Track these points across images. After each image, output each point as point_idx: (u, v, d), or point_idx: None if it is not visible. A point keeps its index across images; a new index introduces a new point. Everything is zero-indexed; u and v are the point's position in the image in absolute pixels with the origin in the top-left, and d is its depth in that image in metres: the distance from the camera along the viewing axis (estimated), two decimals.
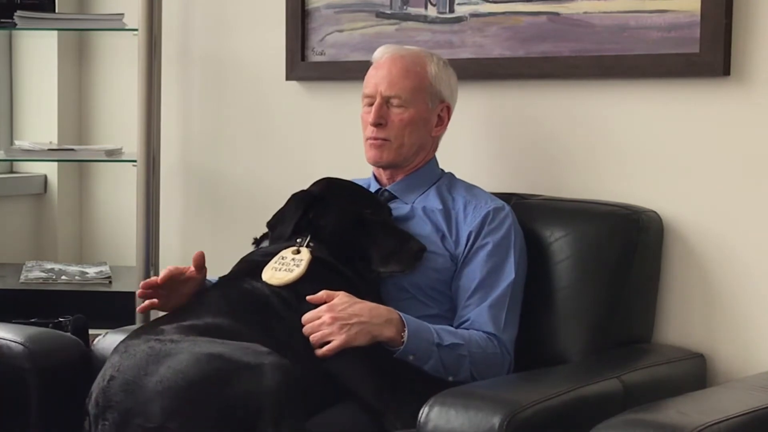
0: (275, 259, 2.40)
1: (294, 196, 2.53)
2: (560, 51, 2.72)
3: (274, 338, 2.26)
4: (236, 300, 2.35)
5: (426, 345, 2.31)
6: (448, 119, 2.62)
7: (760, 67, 2.47)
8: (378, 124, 2.54)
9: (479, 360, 2.35)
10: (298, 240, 2.43)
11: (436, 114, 2.59)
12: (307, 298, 2.32)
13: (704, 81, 2.53)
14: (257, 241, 2.60)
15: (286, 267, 2.38)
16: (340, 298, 2.31)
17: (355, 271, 2.44)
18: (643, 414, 1.95)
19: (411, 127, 2.55)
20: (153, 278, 2.45)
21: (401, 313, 2.33)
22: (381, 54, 2.62)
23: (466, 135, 2.84)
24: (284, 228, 2.47)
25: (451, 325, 2.42)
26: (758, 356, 2.49)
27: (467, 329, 2.39)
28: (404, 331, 2.30)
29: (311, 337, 2.28)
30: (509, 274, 2.45)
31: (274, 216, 2.54)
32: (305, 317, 2.30)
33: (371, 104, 2.56)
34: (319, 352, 2.26)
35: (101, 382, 2.17)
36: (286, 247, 2.42)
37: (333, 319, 2.27)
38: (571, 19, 2.70)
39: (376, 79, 2.57)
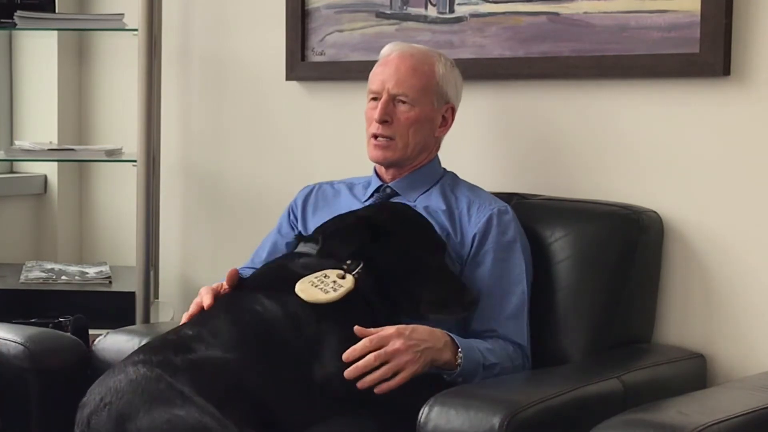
0: (317, 274, 2.31)
1: (358, 216, 2.42)
2: (560, 51, 2.72)
3: (279, 368, 2.19)
4: (246, 328, 2.25)
5: (475, 366, 2.28)
6: (452, 120, 2.61)
7: (760, 67, 2.47)
8: (384, 121, 2.53)
9: (509, 373, 2.34)
10: (348, 262, 2.33)
11: (440, 114, 2.58)
12: (356, 329, 2.20)
13: (704, 81, 2.53)
14: (301, 238, 2.51)
15: (323, 286, 2.28)
16: (398, 327, 2.21)
17: (393, 310, 2.34)
18: (643, 414, 1.95)
19: (416, 126, 2.54)
20: (200, 303, 2.38)
21: (450, 334, 2.28)
22: (389, 51, 2.61)
23: (466, 135, 2.84)
24: (340, 248, 2.35)
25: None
26: (758, 356, 2.49)
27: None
28: (459, 352, 2.25)
29: (384, 369, 2.15)
30: (521, 280, 2.44)
31: (329, 226, 2.43)
32: (358, 348, 2.17)
33: (376, 100, 2.56)
34: (384, 387, 2.15)
35: (98, 401, 2.13)
36: (332, 266, 2.33)
37: (407, 346, 2.18)
38: (571, 19, 2.70)
39: (383, 76, 2.56)
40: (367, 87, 2.59)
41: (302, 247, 2.46)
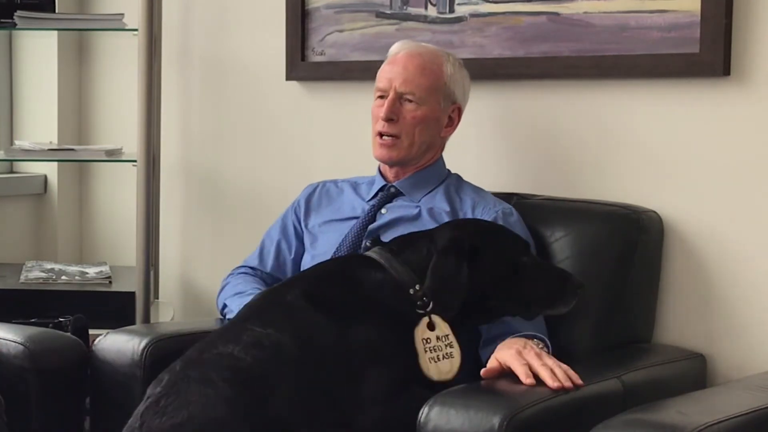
0: (420, 342, 2.18)
1: (452, 254, 2.23)
2: (560, 51, 2.72)
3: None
4: (309, 382, 2.11)
5: None
6: (458, 121, 2.61)
7: (760, 67, 2.47)
8: (390, 119, 2.53)
9: None
10: (420, 303, 2.21)
11: (447, 115, 2.58)
12: (484, 372, 2.15)
13: (704, 81, 2.53)
14: (377, 242, 2.38)
15: (441, 352, 2.18)
16: (525, 347, 2.16)
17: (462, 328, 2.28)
18: (643, 414, 1.95)
19: (422, 125, 2.54)
20: None
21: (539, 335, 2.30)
22: (398, 49, 2.61)
23: (466, 135, 2.84)
24: (449, 296, 2.22)
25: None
26: (758, 356, 2.49)
27: None
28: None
29: (557, 369, 2.10)
30: None
31: (423, 259, 2.26)
32: (526, 374, 2.09)
33: (383, 98, 2.55)
34: (576, 379, 2.11)
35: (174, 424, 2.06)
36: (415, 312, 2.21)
37: (539, 351, 2.15)
38: (571, 19, 2.70)
39: (391, 74, 2.56)
40: (375, 85, 2.59)
41: (375, 254, 2.31)
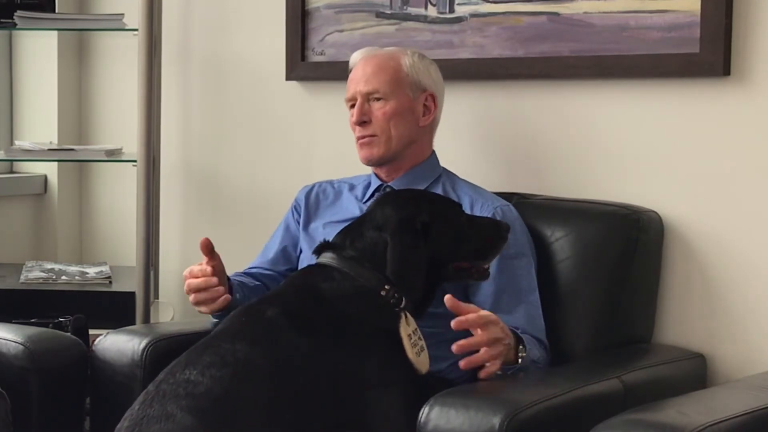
0: (407, 339, 2.19)
1: (406, 234, 2.26)
2: (560, 51, 2.72)
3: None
4: (288, 395, 2.09)
5: (529, 363, 2.28)
6: (435, 108, 2.60)
7: (760, 67, 2.47)
8: (362, 122, 2.55)
9: (542, 369, 2.35)
10: (393, 300, 2.23)
11: (420, 104, 2.58)
12: (456, 322, 2.14)
13: (704, 81, 2.53)
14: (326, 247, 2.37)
15: (418, 345, 2.20)
16: (490, 316, 2.18)
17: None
18: (643, 414, 1.95)
19: (396, 118, 2.54)
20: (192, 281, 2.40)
21: (515, 331, 2.29)
22: (355, 59, 2.65)
23: (467, 135, 2.84)
24: (418, 283, 2.26)
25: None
26: (758, 356, 2.49)
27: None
28: (521, 349, 2.26)
29: (489, 356, 2.15)
30: (532, 277, 2.45)
31: (378, 251, 2.27)
32: (473, 342, 2.13)
33: (354, 106, 2.57)
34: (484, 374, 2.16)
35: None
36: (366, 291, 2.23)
37: (506, 334, 2.18)
38: (571, 19, 2.70)
39: (353, 82, 2.59)
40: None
41: (329, 260, 2.32)
